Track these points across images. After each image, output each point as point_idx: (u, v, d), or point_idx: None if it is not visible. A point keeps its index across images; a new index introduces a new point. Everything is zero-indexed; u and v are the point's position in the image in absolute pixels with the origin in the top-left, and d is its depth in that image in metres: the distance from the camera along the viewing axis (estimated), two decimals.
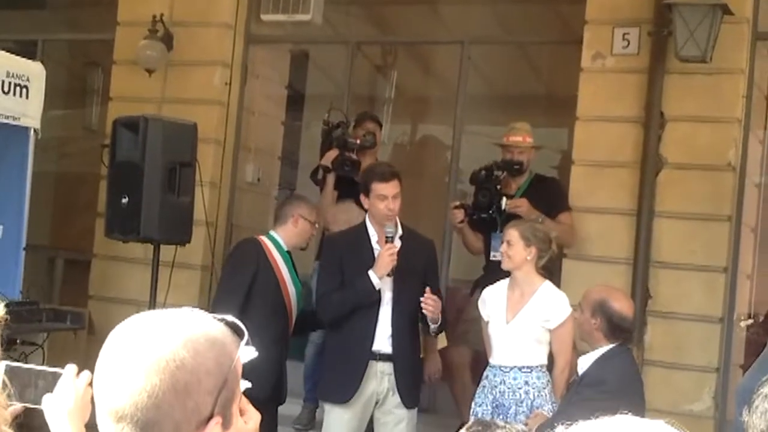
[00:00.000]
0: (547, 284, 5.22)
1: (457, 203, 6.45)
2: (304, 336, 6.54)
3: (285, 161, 8.79)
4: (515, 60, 8.89)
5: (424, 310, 5.08)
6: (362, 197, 5.28)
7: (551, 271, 5.99)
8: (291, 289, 5.60)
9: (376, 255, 5.19)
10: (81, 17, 9.58)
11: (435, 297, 5.08)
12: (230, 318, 1.53)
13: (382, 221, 5.17)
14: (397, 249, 5.11)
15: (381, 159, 7.28)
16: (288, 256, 5.64)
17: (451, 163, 7.79)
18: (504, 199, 6.25)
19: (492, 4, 8.55)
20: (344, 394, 5.14)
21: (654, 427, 1.26)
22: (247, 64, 8.09)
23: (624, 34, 6.75)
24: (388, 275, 5.11)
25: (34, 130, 6.88)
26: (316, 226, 5.75)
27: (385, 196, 5.13)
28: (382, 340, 5.16)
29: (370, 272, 5.11)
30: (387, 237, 5.12)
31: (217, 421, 1.44)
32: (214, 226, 7.63)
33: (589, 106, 6.84)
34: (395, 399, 5.16)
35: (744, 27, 6.55)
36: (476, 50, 7.93)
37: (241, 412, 1.52)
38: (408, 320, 5.18)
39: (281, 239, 5.63)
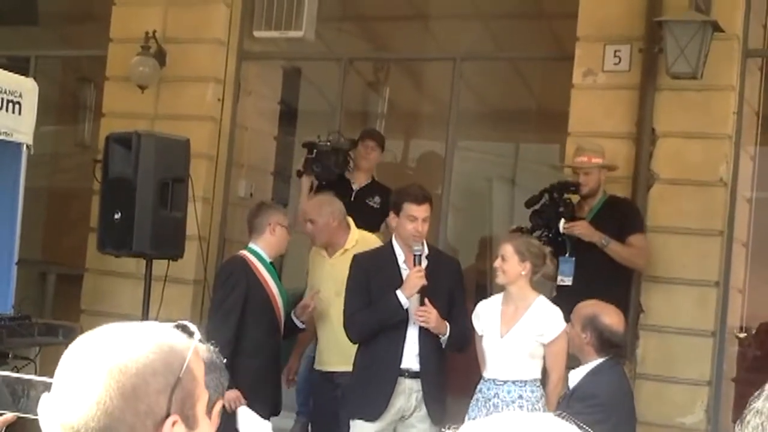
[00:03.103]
0: (541, 299, 5.24)
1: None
2: (293, 349, 6.53)
3: (277, 177, 8.81)
4: (507, 76, 8.93)
5: (417, 322, 5.12)
6: (391, 215, 5.32)
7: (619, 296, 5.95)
8: (279, 301, 5.61)
9: (402, 274, 5.24)
10: (74, 33, 9.60)
11: (426, 308, 5.11)
12: (181, 322, 1.54)
13: (408, 242, 5.22)
14: (424, 269, 5.15)
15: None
16: (272, 267, 5.64)
17: (444, 178, 7.81)
18: (562, 221, 6.14)
19: (484, 21, 8.60)
20: (374, 411, 5.19)
21: (540, 421, 1.27)
22: (239, 80, 8.12)
23: (615, 51, 6.80)
24: (418, 292, 5.15)
25: (27, 146, 6.88)
26: (291, 229, 5.77)
27: (416, 217, 5.18)
28: (410, 358, 5.21)
29: (398, 292, 5.14)
30: (415, 256, 5.17)
31: (173, 420, 1.44)
32: (207, 241, 7.64)
33: (581, 123, 6.88)
34: (421, 413, 5.22)
35: (734, 44, 6.60)
36: (468, 66, 7.97)
37: None
38: (435, 338, 5.23)
39: (262, 251, 5.60)
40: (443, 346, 5.29)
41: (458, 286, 5.42)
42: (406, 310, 5.18)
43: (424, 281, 5.12)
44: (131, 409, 1.41)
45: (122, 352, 1.44)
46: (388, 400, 5.17)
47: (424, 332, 5.20)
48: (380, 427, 5.21)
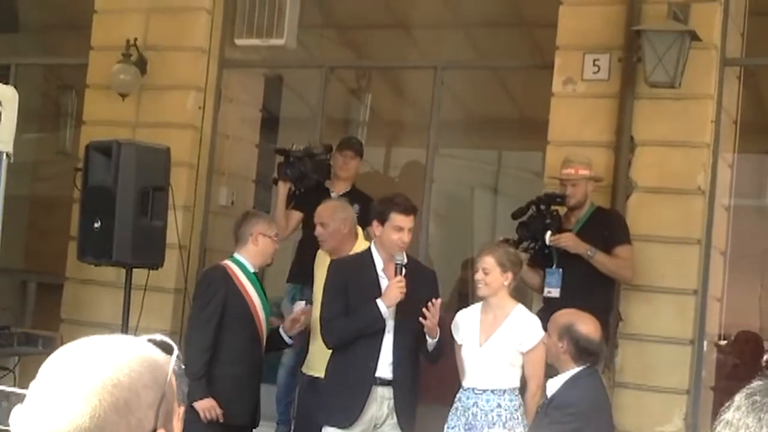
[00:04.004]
0: (520, 308, 5.26)
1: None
2: (273, 358, 6.50)
3: (259, 185, 8.80)
4: (488, 84, 8.96)
5: (423, 320, 5.09)
6: (375, 223, 5.31)
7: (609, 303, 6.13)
8: (261, 312, 5.58)
9: (381, 282, 5.25)
10: (54, 41, 9.59)
11: (437, 308, 5.11)
12: (157, 337, 1.54)
13: (391, 251, 5.23)
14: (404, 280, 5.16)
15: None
16: (255, 277, 5.62)
17: (425, 186, 7.82)
18: (548, 233, 6.16)
19: (465, 29, 8.63)
20: (347, 418, 5.18)
21: None
22: (220, 88, 8.11)
23: (594, 60, 6.83)
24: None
25: (7, 155, 6.85)
26: (276, 239, 5.70)
27: (402, 228, 5.20)
28: (384, 367, 5.21)
29: (378, 301, 5.15)
30: (397, 265, 5.17)
31: None
32: (188, 249, 7.62)
33: (561, 131, 6.90)
34: (392, 422, 5.22)
35: (712, 53, 6.64)
36: (449, 75, 7.99)
37: None
38: (409, 348, 5.25)
39: (246, 261, 5.59)
40: (429, 350, 5.27)
41: (434, 296, 5.40)
42: (385, 319, 5.19)
43: (404, 291, 5.13)
44: (124, 422, 1.40)
45: (112, 366, 1.43)
46: (362, 407, 5.16)
47: (399, 341, 5.22)
48: None
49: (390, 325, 5.21)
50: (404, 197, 5.44)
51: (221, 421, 5.35)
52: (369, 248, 5.39)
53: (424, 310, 5.08)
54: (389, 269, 5.24)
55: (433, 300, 5.10)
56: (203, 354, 5.30)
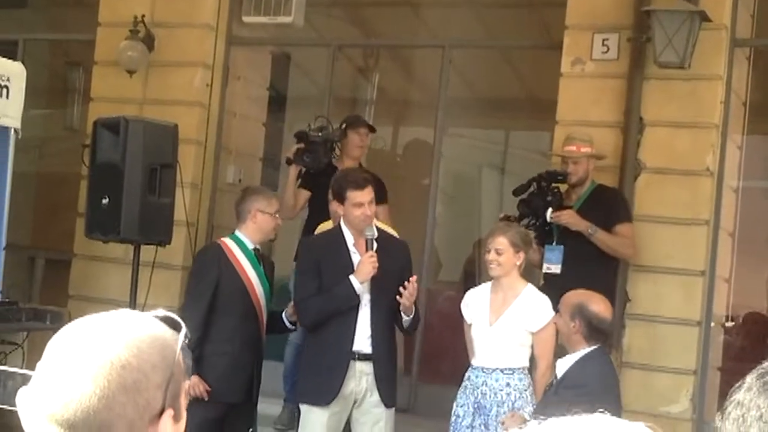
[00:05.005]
0: (530, 287, 5.27)
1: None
2: (280, 336, 6.47)
3: (266, 162, 8.81)
4: (496, 64, 8.94)
5: (400, 297, 5.08)
6: (336, 204, 5.29)
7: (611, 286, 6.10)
8: (259, 289, 5.50)
9: (352, 258, 5.23)
10: (62, 17, 9.57)
11: (414, 286, 5.10)
12: (163, 313, 1.53)
13: (359, 227, 5.20)
14: (375, 254, 5.14)
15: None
16: (253, 255, 5.55)
17: (432, 164, 7.82)
18: (549, 210, 6.16)
19: (473, 8, 8.59)
20: (325, 396, 5.15)
21: (633, 428, 1.29)
22: (228, 65, 8.10)
23: (604, 40, 6.81)
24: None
25: (15, 130, 6.86)
26: (277, 216, 5.62)
27: (361, 203, 5.16)
28: (362, 341, 5.19)
29: (351, 278, 5.13)
30: (367, 239, 5.15)
31: (169, 414, 1.45)
32: (195, 226, 7.64)
33: (569, 111, 6.89)
34: (374, 398, 5.19)
35: (722, 33, 6.62)
36: (457, 54, 7.98)
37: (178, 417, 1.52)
38: (386, 321, 5.23)
39: (245, 238, 5.53)
40: (405, 327, 5.28)
41: (408, 267, 5.37)
42: (359, 295, 5.17)
43: (376, 266, 5.10)
44: (132, 403, 1.41)
45: (121, 346, 1.43)
46: (340, 384, 5.13)
47: (375, 314, 5.19)
48: (333, 411, 5.16)
49: (366, 299, 5.18)
50: (357, 172, 5.41)
51: (205, 398, 5.25)
52: (339, 225, 5.36)
53: (401, 288, 5.06)
54: (360, 244, 5.21)
55: (410, 279, 5.08)
56: (195, 331, 5.24)
